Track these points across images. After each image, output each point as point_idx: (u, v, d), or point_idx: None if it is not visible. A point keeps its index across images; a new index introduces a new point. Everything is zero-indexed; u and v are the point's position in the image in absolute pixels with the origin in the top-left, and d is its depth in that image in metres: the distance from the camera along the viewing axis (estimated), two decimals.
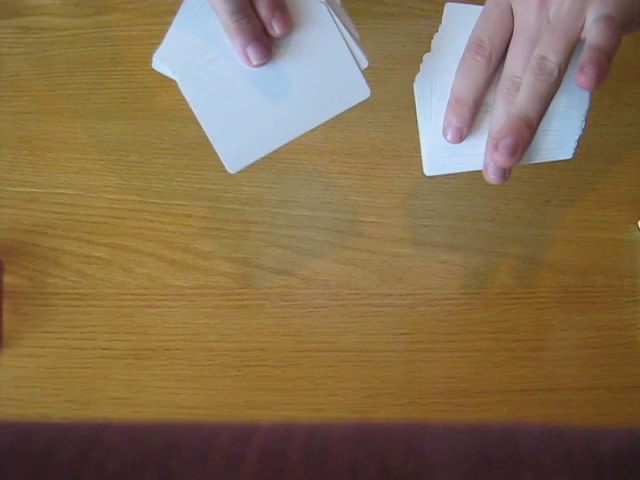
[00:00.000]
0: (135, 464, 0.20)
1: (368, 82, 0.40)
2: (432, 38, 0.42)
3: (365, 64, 0.40)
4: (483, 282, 0.51)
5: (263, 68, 0.39)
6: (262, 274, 0.51)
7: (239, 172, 0.40)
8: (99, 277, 0.50)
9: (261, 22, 0.38)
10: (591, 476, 0.19)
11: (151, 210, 0.52)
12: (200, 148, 0.53)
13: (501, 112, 0.39)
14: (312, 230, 0.52)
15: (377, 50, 0.56)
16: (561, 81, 0.38)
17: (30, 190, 0.52)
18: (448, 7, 0.42)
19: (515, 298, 0.50)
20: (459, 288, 0.51)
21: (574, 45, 0.38)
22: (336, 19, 0.39)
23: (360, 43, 0.40)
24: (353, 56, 0.40)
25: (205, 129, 0.40)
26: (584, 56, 0.37)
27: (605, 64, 0.36)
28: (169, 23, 0.56)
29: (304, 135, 0.40)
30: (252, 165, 0.40)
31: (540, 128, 0.40)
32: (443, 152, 0.41)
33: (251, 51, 0.38)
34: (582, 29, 0.38)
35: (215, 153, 0.40)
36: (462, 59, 0.40)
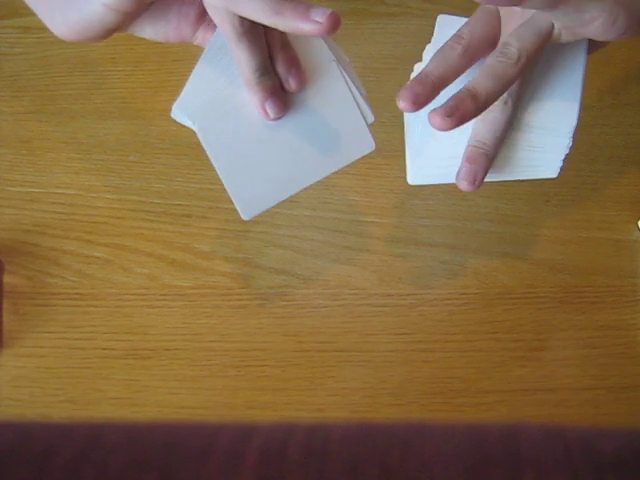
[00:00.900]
0: (135, 464, 0.20)
1: (374, 136, 0.42)
2: (424, 49, 0.43)
3: (371, 119, 0.42)
4: (483, 282, 0.51)
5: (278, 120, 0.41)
6: (262, 274, 0.51)
7: (252, 219, 0.42)
8: (99, 277, 0.50)
9: (278, 78, 0.40)
10: (591, 476, 0.19)
11: (151, 210, 0.52)
12: (200, 148, 0.53)
13: None
14: (312, 230, 0.52)
15: (377, 50, 0.56)
16: (523, 68, 0.37)
17: (30, 190, 0.52)
18: (440, 19, 0.43)
19: (515, 298, 0.50)
20: (459, 288, 0.51)
21: (542, 40, 0.37)
22: (345, 76, 0.41)
23: (367, 99, 0.42)
24: (360, 111, 0.42)
25: (221, 177, 0.42)
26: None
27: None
28: None
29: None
30: (265, 212, 0.42)
31: (525, 144, 0.40)
32: (428, 162, 0.42)
33: (269, 106, 0.40)
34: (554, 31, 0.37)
35: (230, 200, 0.42)
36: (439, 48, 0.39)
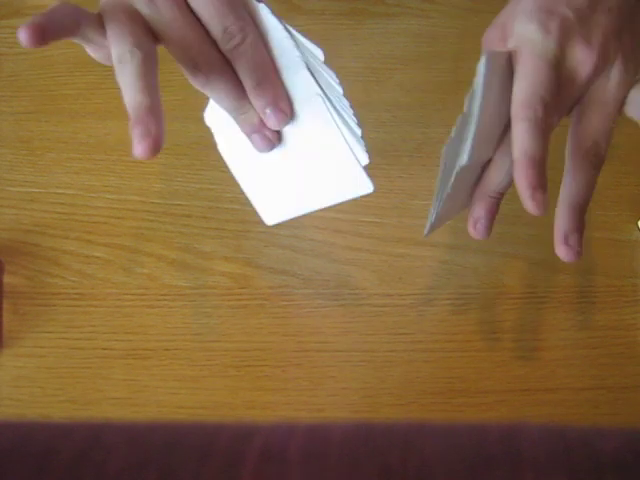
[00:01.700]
0: (135, 464, 0.20)
1: (371, 177, 0.39)
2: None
3: (366, 161, 0.39)
4: (483, 282, 0.51)
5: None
6: (262, 274, 0.51)
7: (276, 225, 0.42)
8: (99, 277, 0.50)
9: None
10: (591, 476, 0.19)
11: (151, 210, 0.52)
12: (200, 148, 0.53)
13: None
14: (312, 230, 0.52)
15: (377, 50, 0.56)
16: None
17: (30, 190, 0.52)
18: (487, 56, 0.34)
19: (515, 298, 0.50)
20: (459, 288, 0.51)
21: None
22: (334, 114, 0.38)
23: (363, 138, 0.39)
24: (353, 154, 0.38)
25: (242, 186, 0.42)
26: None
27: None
28: None
29: None
30: (290, 220, 0.42)
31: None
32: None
33: (254, 141, 0.39)
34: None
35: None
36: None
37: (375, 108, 0.53)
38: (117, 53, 0.34)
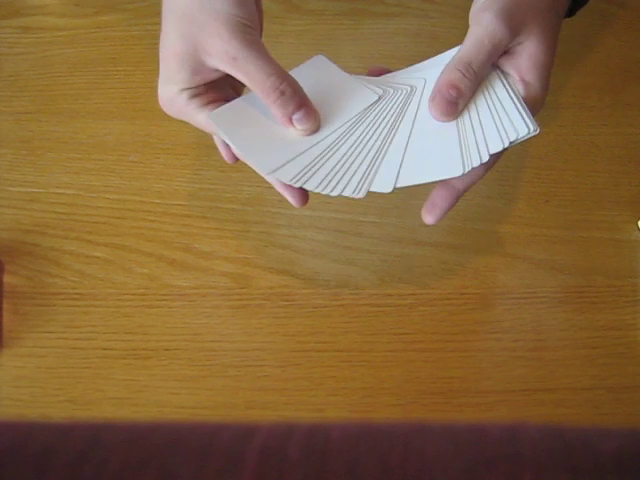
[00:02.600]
0: (135, 464, 0.20)
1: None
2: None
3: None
4: (483, 282, 0.51)
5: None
6: (262, 274, 0.51)
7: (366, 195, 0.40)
8: (99, 277, 0.50)
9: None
10: (591, 476, 0.19)
11: (151, 210, 0.52)
12: (200, 148, 0.53)
13: None
14: (312, 230, 0.52)
15: (377, 50, 0.56)
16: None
17: (30, 190, 0.52)
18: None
19: (515, 298, 0.50)
20: (459, 288, 0.51)
21: None
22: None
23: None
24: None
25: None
26: None
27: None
28: None
29: None
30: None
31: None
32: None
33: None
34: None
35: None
36: None
37: None
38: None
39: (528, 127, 0.40)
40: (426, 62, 0.43)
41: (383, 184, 0.40)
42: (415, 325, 0.50)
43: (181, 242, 0.51)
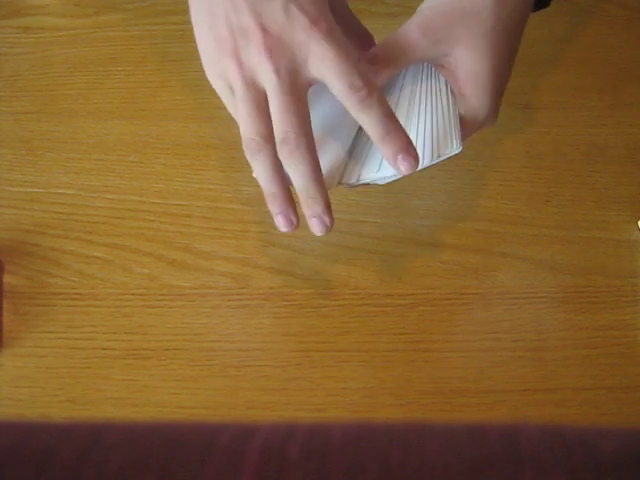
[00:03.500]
0: (135, 464, 0.20)
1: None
2: None
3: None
4: (483, 282, 0.51)
5: None
6: (262, 274, 0.51)
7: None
8: (99, 277, 0.50)
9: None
10: (591, 476, 0.19)
11: (151, 210, 0.52)
12: (200, 148, 0.53)
13: None
14: None
15: None
16: None
17: (30, 190, 0.52)
18: None
19: (515, 298, 0.50)
20: (459, 288, 0.51)
21: None
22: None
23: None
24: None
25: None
26: None
27: None
28: (169, 23, 0.56)
29: None
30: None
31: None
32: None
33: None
34: None
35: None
36: None
37: None
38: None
39: (452, 145, 0.39)
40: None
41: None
42: (415, 325, 0.50)
43: (181, 242, 0.51)
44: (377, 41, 0.57)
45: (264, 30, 0.36)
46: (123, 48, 0.56)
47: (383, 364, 0.49)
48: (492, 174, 0.53)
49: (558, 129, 0.55)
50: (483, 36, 0.39)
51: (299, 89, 0.37)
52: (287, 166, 0.38)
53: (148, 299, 0.50)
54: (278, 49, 0.36)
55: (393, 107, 0.40)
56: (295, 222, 0.40)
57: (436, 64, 0.41)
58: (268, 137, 0.38)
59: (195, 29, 0.39)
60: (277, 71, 0.36)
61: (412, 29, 0.39)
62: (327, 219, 0.40)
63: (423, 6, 0.40)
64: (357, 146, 0.42)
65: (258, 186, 0.53)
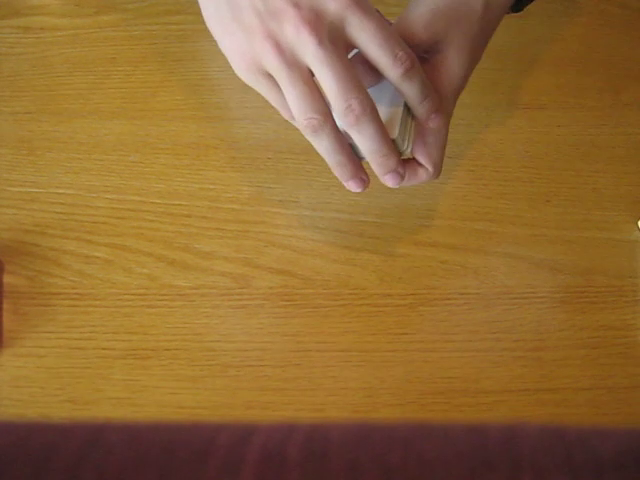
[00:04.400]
0: (135, 464, 0.20)
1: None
2: None
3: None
4: (483, 282, 0.51)
5: None
6: (262, 274, 0.51)
7: None
8: (99, 277, 0.50)
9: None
10: (591, 476, 0.19)
11: (151, 210, 0.52)
12: (200, 148, 0.53)
13: None
14: (312, 230, 0.52)
15: None
16: None
17: (30, 190, 0.52)
18: None
19: (515, 298, 0.50)
20: (459, 288, 0.51)
21: None
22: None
23: None
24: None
25: None
26: None
27: None
28: (169, 23, 0.56)
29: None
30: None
31: None
32: None
33: (387, 179, 0.42)
34: None
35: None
36: None
37: None
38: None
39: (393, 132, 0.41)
40: None
41: None
42: (415, 325, 0.50)
43: (181, 242, 0.51)
44: None
45: (296, 6, 0.36)
46: (123, 48, 0.56)
47: (383, 364, 0.49)
48: (492, 174, 0.53)
49: (558, 129, 0.55)
50: (471, 39, 0.40)
51: (345, 56, 0.37)
52: (355, 132, 0.39)
53: (148, 299, 0.50)
54: (316, 21, 0.36)
55: None
56: (367, 180, 0.42)
57: (420, 57, 0.41)
58: (326, 112, 0.38)
59: (215, 28, 0.39)
60: (321, 42, 0.36)
61: (416, 21, 0.39)
62: (401, 170, 0.41)
63: (422, 2, 0.40)
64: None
65: (258, 186, 0.53)
